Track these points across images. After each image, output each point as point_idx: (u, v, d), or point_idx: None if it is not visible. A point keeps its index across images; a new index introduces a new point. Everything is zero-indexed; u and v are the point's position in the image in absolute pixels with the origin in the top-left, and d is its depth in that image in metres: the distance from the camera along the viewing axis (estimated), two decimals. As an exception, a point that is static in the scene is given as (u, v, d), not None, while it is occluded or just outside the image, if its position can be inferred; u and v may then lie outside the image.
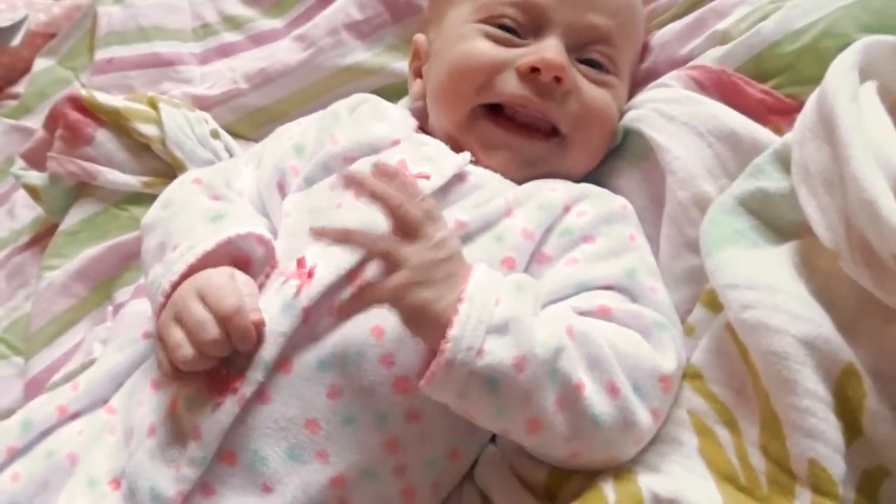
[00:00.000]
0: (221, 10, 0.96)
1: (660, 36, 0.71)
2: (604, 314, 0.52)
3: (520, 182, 0.62)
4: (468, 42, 0.64)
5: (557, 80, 0.60)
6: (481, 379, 0.45)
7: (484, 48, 0.63)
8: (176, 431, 0.51)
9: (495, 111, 0.63)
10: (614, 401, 0.48)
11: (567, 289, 0.54)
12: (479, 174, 0.61)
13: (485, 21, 0.64)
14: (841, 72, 0.48)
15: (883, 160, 0.42)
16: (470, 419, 0.49)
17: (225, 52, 0.94)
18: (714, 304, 0.54)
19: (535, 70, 0.60)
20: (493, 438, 0.57)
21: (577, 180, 0.65)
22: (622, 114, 0.67)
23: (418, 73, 0.73)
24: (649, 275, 0.56)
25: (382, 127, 0.65)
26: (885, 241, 0.41)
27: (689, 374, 0.54)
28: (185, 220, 0.58)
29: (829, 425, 0.43)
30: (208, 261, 0.53)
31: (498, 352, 0.45)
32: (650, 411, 0.50)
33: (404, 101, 0.80)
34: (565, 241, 0.57)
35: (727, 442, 0.49)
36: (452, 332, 0.45)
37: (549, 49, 0.61)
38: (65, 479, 0.55)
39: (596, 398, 0.48)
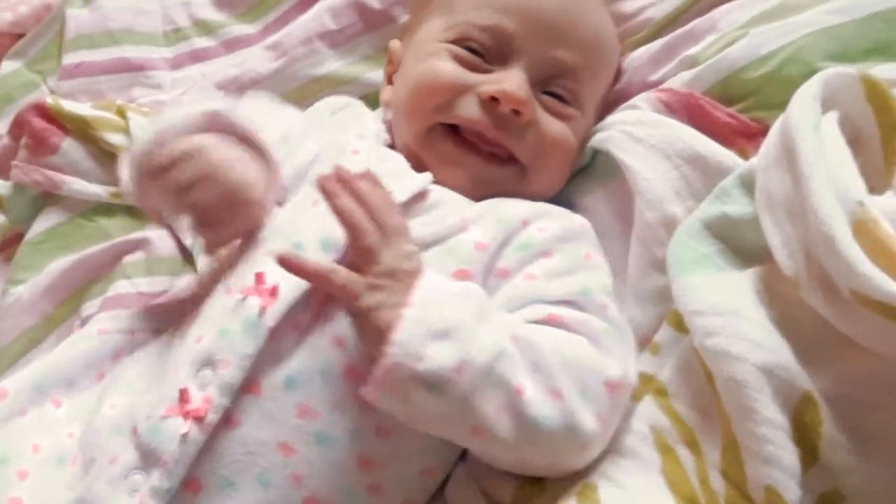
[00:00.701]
0: (193, 15, 0.94)
1: (632, 59, 0.71)
2: (553, 321, 0.53)
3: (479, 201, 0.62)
4: (434, 60, 0.64)
5: (516, 112, 0.61)
6: (423, 383, 0.46)
7: (448, 68, 0.63)
8: (139, 456, 0.49)
9: (454, 130, 0.63)
10: (557, 404, 0.49)
11: (523, 303, 0.54)
12: (439, 193, 0.61)
13: (454, 41, 0.64)
14: (803, 102, 0.49)
15: (842, 193, 0.43)
16: (417, 427, 0.49)
17: (198, 57, 0.93)
18: (681, 325, 0.54)
19: (494, 100, 0.60)
20: (464, 456, 0.57)
21: (546, 198, 0.66)
22: (589, 136, 0.67)
23: (390, 80, 0.73)
24: (602, 293, 0.57)
25: (351, 136, 0.65)
26: (842, 275, 0.42)
27: (655, 390, 0.54)
28: None
29: (785, 452, 0.44)
30: None
31: (438, 356, 0.46)
32: (595, 416, 0.50)
33: (379, 112, 0.80)
34: (524, 255, 0.57)
35: (689, 463, 0.50)
36: (395, 336, 0.46)
37: (512, 81, 0.61)
38: (7, 492, 0.51)
39: (537, 401, 0.48)
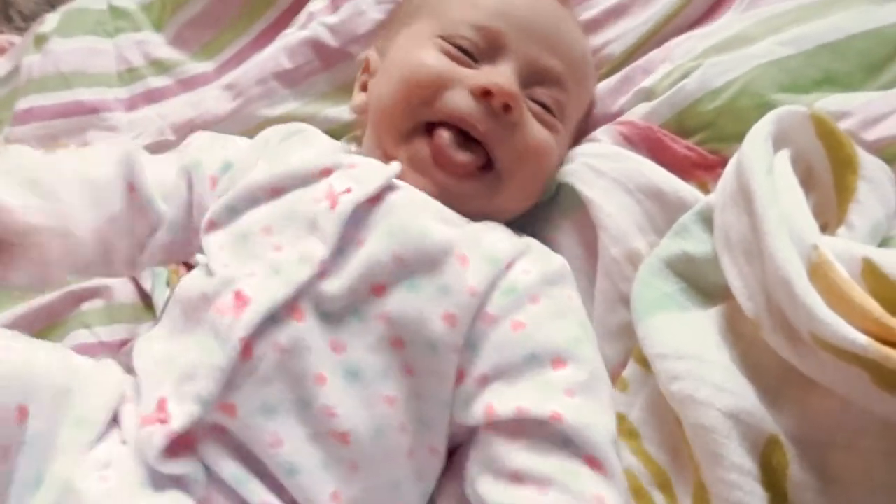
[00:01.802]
0: (148, 54, 0.93)
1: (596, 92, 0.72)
2: (556, 421, 0.49)
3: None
4: (422, 51, 0.62)
5: (507, 108, 0.59)
6: None
7: (436, 61, 0.61)
8: None
9: (433, 134, 0.60)
10: None
11: (516, 358, 0.52)
12: (409, 191, 0.58)
13: (442, 37, 0.63)
14: (756, 143, 0.49)
15: (796, 237, 0.44)
16: None
17: (153, 97, 0.91)
18: (646, 362, 0.54)
19: (487, 93, 0.59)
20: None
21: (511, 226, 0.65)
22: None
23: (364, 87, 0.70)
24: (588, 340, 0.55)
25: (312, 153, 0.62)
26: (800, 319, 0.42)
27: (626, 432, 0.54)
28: None
29: (753, 497, 0.43)
30: None
31: None
32: None
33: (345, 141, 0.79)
34: (511, 300, 0.55)
35: (662, 506, 0.50)
36: None
37: (503, 75, 0.60)
38: None
39: None
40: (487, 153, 0.61)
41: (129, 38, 0.94)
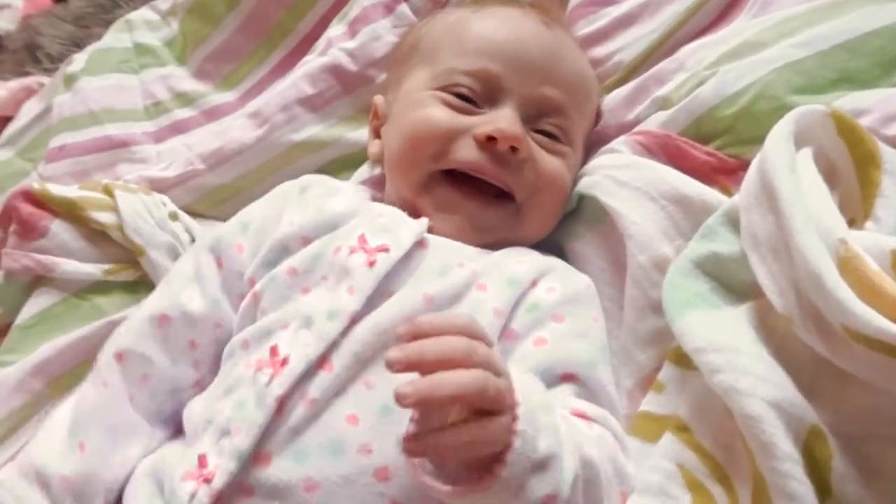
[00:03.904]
0: (172, 87, 0.96)
1: (607, 101, 0.73)
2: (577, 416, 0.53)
3: (476, 246, 0.62)
4: (424, 108, 0.65)
5: (513, 149, 0.62)
6: None
7: (440, 115, 0.64)
8: None
9: (451, 175, 0.64)
10: None
11: (533, 371, 0.54)
12: (437, 240, 0.61)
13: (441, 88, 0.65)
14: (778, 143, 0.50)
15: (824, 232, 0.44)
16: None
17: (179, 128, 0.94)
18: (682, 361, 0.55)
19: (491, 139, 0.61)
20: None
21: (536, 243, 0.67)
22: (576, 180, 0.68)
23: (377, 133, 0.74)
24: (605, 364, 0.58)
25: (339, 201, 0.65)
26: (832, 313, 0.43)
27: (675, 427, 0.54)
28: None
29: (807, 489, 0.44)
30: None
31: (533, 491, 0.45)
32: None
33: (361, 172, 0.80)
34: (533, 316, 0.58)
35: (722, 500, 0.49)
36: (504, 472, 0.43)
37: (505, 119, 0.62)
38: None
39: None
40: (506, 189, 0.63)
41: (154, 74, 0.97)
